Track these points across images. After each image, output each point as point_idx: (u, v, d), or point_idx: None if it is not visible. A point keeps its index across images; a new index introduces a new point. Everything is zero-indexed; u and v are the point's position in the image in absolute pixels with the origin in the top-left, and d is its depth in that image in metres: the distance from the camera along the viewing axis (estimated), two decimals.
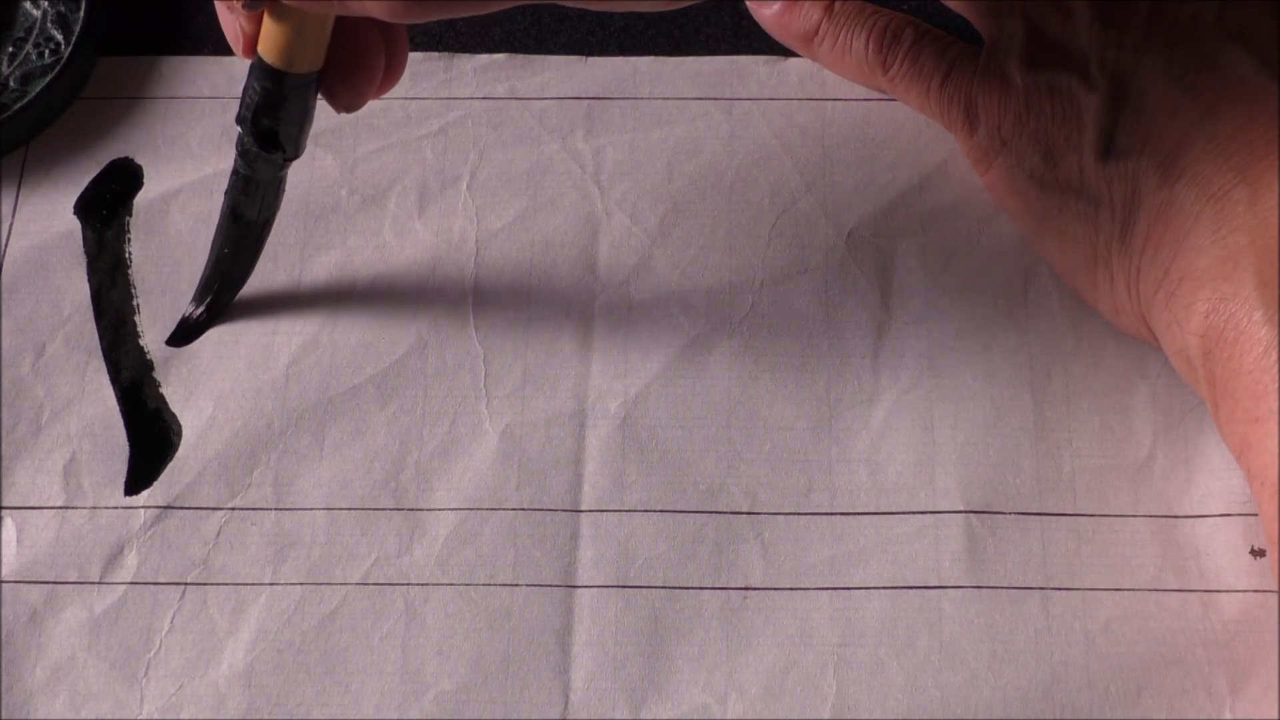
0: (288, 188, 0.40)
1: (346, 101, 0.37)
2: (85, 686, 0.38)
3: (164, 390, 0.42)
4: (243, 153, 0.39)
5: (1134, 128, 0.39)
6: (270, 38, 0.35)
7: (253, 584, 0.39)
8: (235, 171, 0.39)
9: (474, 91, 0.46)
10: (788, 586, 0.39)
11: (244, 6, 0.34)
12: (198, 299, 0.42)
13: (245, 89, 0.37)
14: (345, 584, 0.39)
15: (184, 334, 0.42)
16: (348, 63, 0.36)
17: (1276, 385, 0.35)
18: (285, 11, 0.34)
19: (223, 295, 0.42)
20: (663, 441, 0.41)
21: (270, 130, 0.37)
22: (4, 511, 0.40)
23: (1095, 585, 0.39)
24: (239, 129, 0.38)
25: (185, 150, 0.45)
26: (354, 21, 0.36)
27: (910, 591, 0.39)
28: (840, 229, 0.43)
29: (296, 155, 0.38)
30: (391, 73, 0.37)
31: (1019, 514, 0.40)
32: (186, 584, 0.39)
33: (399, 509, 0.40)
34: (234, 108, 0.42)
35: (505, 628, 0.39)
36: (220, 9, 0.36)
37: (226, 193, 0.40)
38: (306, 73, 0.36)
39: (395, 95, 0.45)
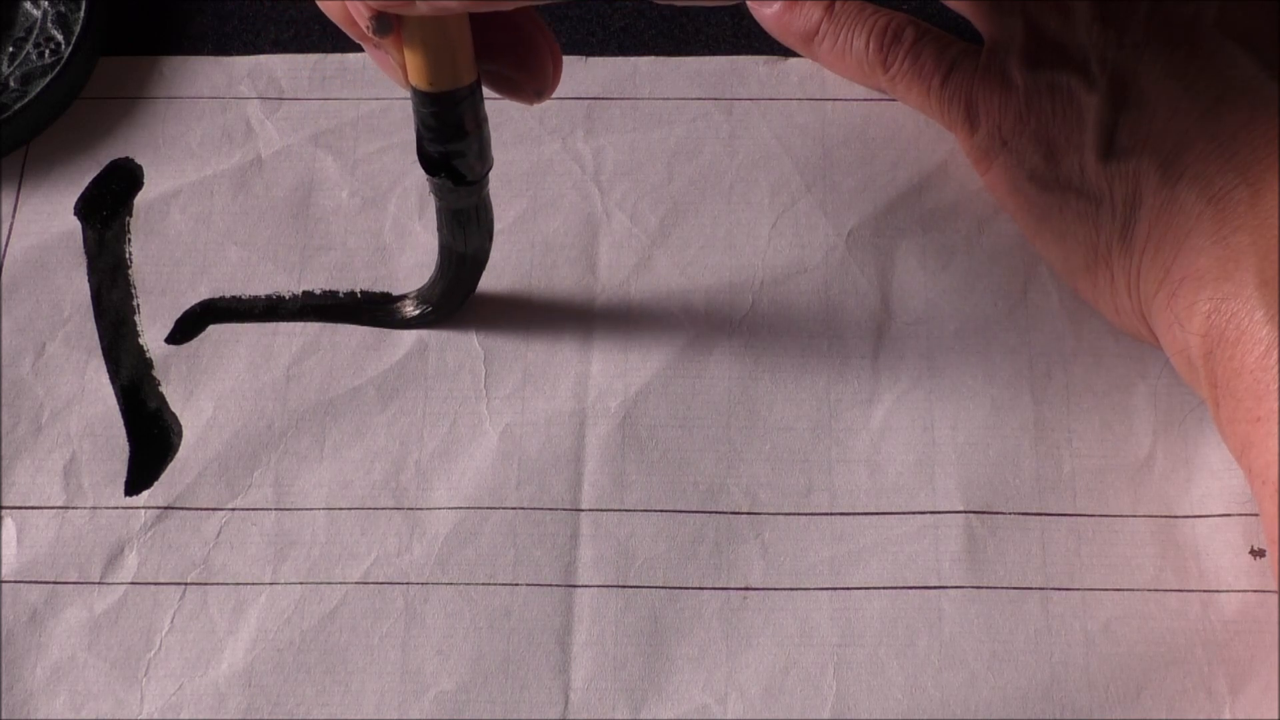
0: (287, 187, 0.40)
1: (535, 88, 0.36)
2: (85, 686, 0.38)
3: (164, 390, 0.42)
4: (430, 186, 0.38)
5: (1135, 127, 0.39)
6: (409, 62, 0.35)
7: (253, 584, 0.39)
8: (437, 208, 0.39)
9: None
10: (788, 586, 0.39)
11: (373, 33, 0.34)
12: (415, 302, 0.42)
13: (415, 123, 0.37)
14: (345, 583, 0.39)
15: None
16: (519, 52, 0.36)
17: (1277, 385, 0.35)
18: (411, 32, 0.34)
19: (426, 318, 0.42)
20: (663, 441, 0.41)
21: (436, 155, 0.37)
22: (4, 511, 0.40)
23: (1095, 585, 0.39)
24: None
25: (185, 150, 0.45)
26: (502, 15, 0.35)
27: (910, 591, 0.39)
28: (840, 229, 0.43)
29: (472, 181, 0.37)
30: (557, 60, 0.36)
31: (1019, 514, 0.40)
32: (186, 584, 0.39)
33: (399, 509, 0.40)
34: (234, 107, 0.42)
35: (505, 627, 0.39)
36: (369, 50, 0.36)
37: (439, 229, 0.40)
38: (451, 90, 0.35)
39: (395, 96, 0.45)
